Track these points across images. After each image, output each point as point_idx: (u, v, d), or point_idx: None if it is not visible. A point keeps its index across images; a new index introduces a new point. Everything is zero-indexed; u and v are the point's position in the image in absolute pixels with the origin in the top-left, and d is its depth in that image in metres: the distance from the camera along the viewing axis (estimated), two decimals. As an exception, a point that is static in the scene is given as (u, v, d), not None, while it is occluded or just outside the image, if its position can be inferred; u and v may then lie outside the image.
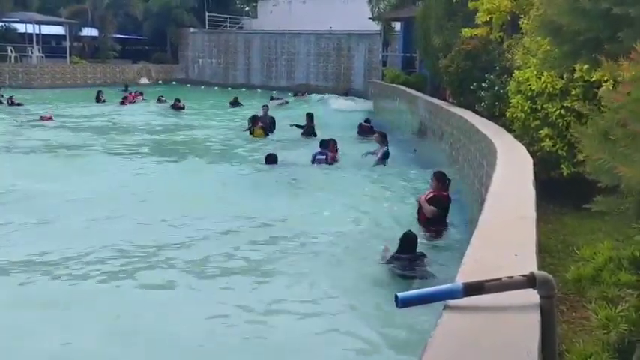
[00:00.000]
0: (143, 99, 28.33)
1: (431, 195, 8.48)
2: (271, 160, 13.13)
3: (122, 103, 26.77)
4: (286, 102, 28.45)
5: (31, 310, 6.08)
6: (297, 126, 18.37)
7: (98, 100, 27.42)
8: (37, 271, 7.12)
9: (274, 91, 33.76)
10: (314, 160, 13.57)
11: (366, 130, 18.02)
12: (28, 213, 9.35)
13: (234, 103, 27.29)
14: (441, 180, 8.58)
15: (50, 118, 21.06)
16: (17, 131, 18.75)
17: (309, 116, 18.37)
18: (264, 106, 20.74)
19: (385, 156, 13.57)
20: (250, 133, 17.98)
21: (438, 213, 8.32)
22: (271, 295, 6.52)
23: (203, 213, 9.49)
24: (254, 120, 18.33)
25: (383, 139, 13.96)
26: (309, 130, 17.89)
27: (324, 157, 13.52)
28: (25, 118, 21.48)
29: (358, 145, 16.23)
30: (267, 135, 17.91)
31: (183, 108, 25.46)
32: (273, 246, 8.16)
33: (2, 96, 26.23)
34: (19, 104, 25.15)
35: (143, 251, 7.81)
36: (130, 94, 28.68)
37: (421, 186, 10.67)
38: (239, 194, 11.00)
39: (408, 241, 7.15)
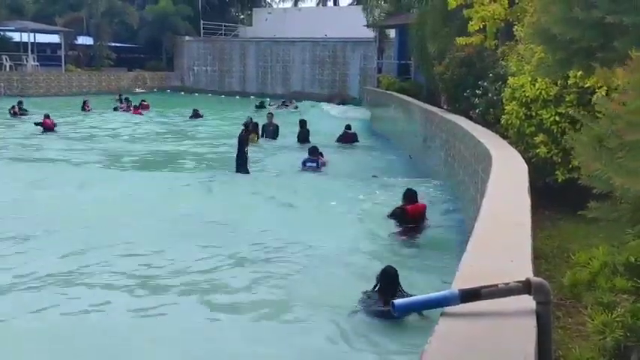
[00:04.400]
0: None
1: (396, 207, 8.87)
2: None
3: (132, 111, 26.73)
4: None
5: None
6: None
7: (84, 109, 27.21)
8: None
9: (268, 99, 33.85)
10: (304, 167, 13.90)
11: (349, 138, 18.19)
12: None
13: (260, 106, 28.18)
14: (408, 197, 8.91)
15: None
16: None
17: (302, 122, 18.78)
18: (269, 113, 21.24)
19: None
20: None
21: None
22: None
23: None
24: (246, 127, 18.30)
25: None
26: (303, 136, 18.23)
27: (315, 163, 13.85)
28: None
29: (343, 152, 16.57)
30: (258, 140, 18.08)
31: (201, 117, 25.70)
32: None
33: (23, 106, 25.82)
34: (22, 114, 24.35)
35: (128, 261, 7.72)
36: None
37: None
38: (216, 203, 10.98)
39: (386, 276, 6.04)
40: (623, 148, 2.52)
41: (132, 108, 27.09)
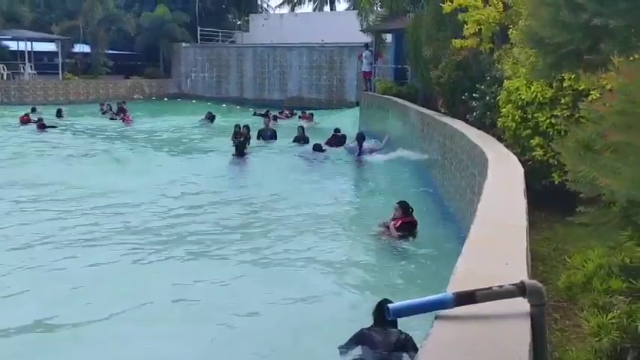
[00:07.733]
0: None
1: (399, 223, 8.97)
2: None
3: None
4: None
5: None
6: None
7: (59, 115, 27.10)
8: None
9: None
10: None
11: (335, 142, 18.55)
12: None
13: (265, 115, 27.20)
14: (405, 208, 9.11)
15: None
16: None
17: (301, 128, 20.48)
18: (266, 118, 22.18)
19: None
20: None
21: (406, 236, 8.96)
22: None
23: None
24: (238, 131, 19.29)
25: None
26: (301, 139, 19.72)
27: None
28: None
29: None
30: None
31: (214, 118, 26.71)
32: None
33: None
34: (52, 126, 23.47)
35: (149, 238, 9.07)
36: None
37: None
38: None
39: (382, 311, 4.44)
40: (608, 149, 2.53)
41: (121, 115, 27.39)
